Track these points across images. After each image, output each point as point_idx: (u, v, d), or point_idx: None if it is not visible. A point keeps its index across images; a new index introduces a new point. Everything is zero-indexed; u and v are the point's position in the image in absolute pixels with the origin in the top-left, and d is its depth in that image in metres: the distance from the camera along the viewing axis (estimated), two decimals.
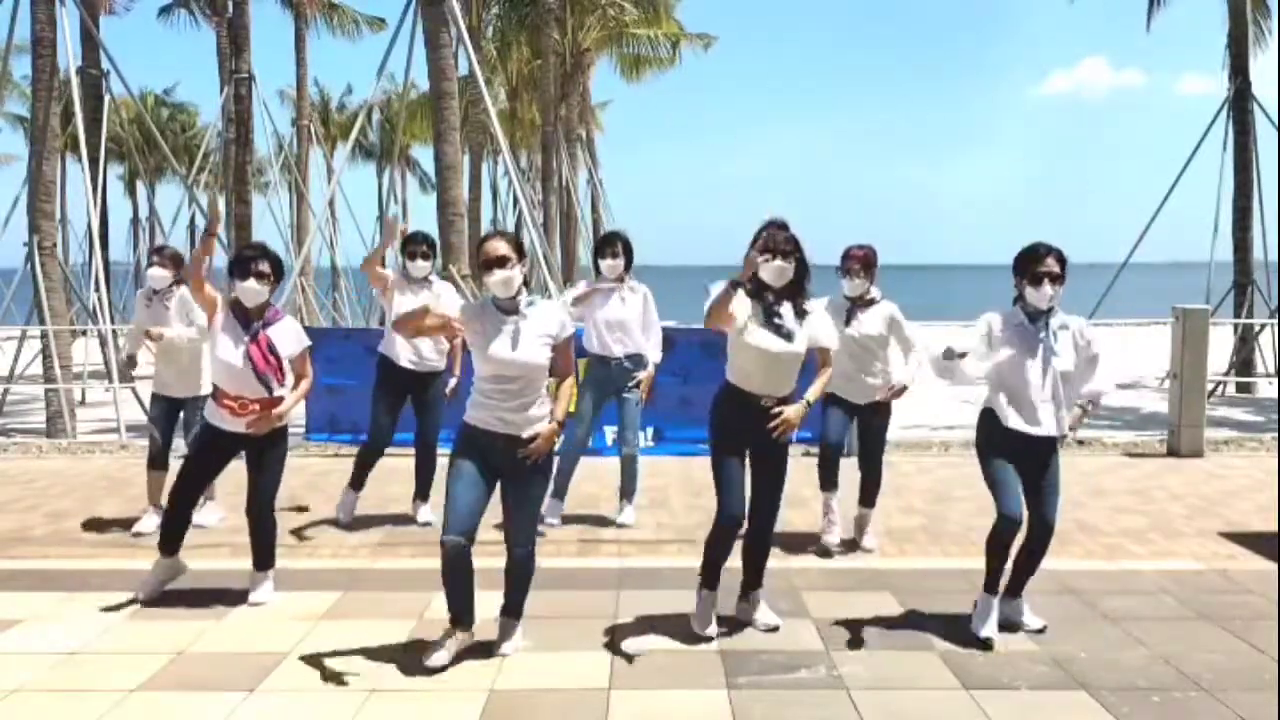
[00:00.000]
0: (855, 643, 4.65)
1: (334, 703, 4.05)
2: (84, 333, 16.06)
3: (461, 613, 4.39)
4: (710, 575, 4.77)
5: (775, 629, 4.75)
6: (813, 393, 4.64)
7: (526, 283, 4.41)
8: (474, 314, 4.35)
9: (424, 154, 47.27)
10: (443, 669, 4.28)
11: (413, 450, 6.84)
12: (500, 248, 4.28)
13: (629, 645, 4.60)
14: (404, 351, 6.53)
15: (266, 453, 5.18)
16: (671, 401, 8.37)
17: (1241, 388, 16.75)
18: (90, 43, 16.28)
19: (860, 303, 5.99)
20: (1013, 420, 4.64)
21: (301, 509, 7.02)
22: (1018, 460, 4.65)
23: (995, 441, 4.69)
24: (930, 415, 11.09)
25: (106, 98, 17.37)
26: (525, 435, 4.27)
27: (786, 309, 4.55)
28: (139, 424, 10.03)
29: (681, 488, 7.76)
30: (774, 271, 4.51)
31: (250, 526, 5.27)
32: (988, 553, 4.75)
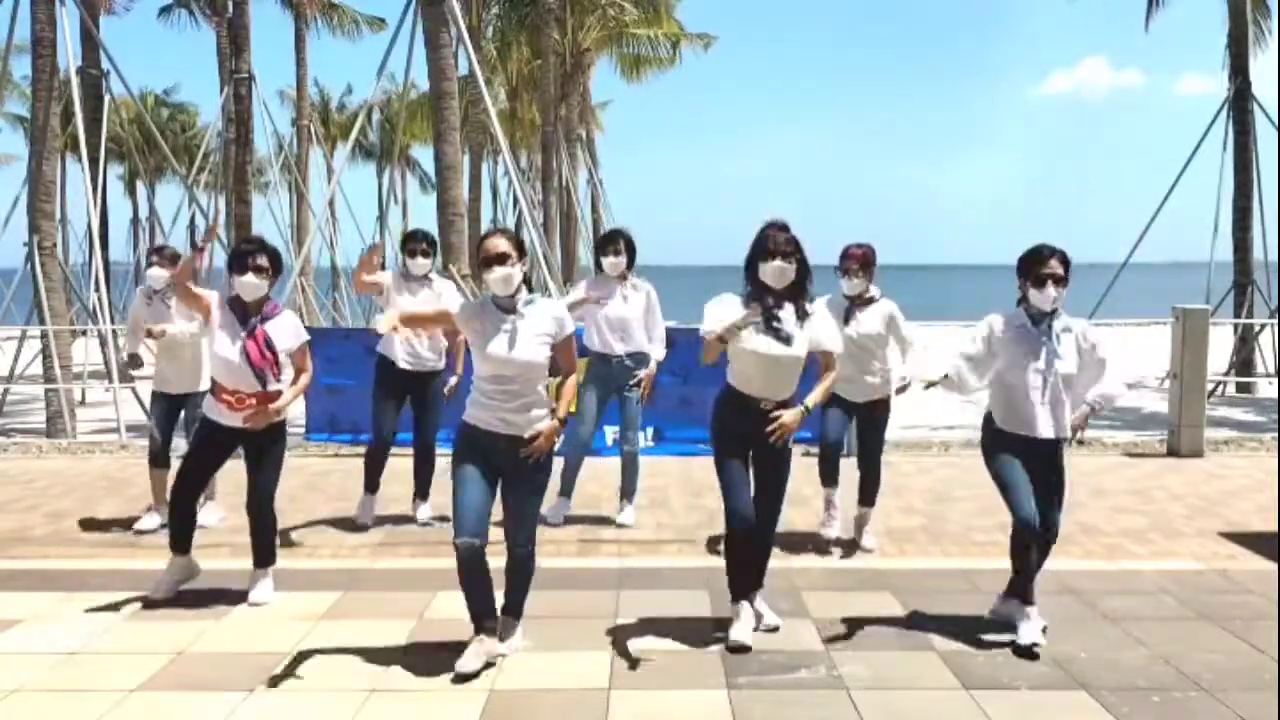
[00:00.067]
0: (855, 643, 4.65)
1: (334, 703, 4.05)
2: (84, 333, 16.05)
3: (484, 615, 4.35)
4: (735, 584, 4.71)
5: (775, 629, 4.75)
6: (813, 398, 4.59)
7: (528, 281, 4.40)
8: (473, 313, 4.35)
9: (424, 154, 47.34)
10: (475, 674, 4.23)
11: (412, 450, 6.84)
12: (500, 245, 4.27)
13: (630, 646, 4.60)
14: (402, 352, 6.53)
15: (265, 448, 5.18)
16: (672, 401, 8.37)
17: (1241, 388, 16.75)
18: (90, 43, 16.28)
19: (859, 302, 5.99)
20: (1013, 423, 4.63)
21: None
22: (1022, 462, 4.64)
23: (998, 443, 4.69)
24: (930, 415, 11.09)
25: (106, 98, 17.37)
26: (527, 435, 4.27)
27: (787, 311, 4.52)
28: (139, 424, 10.05)
29: (681, 488, 7.76)
30: (774, 273, 4.49)
31: (250, 523, 5.27)
32: (1012, 559, 4.73)
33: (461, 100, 18.05)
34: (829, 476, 6.23)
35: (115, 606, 5.15)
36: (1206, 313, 9.57)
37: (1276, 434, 10.00)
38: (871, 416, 6.16)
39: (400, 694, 4.14)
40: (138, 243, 43.00)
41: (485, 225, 30.21)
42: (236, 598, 5.24)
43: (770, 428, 4.45)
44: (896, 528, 6.64)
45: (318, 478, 8.19)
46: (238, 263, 5.06)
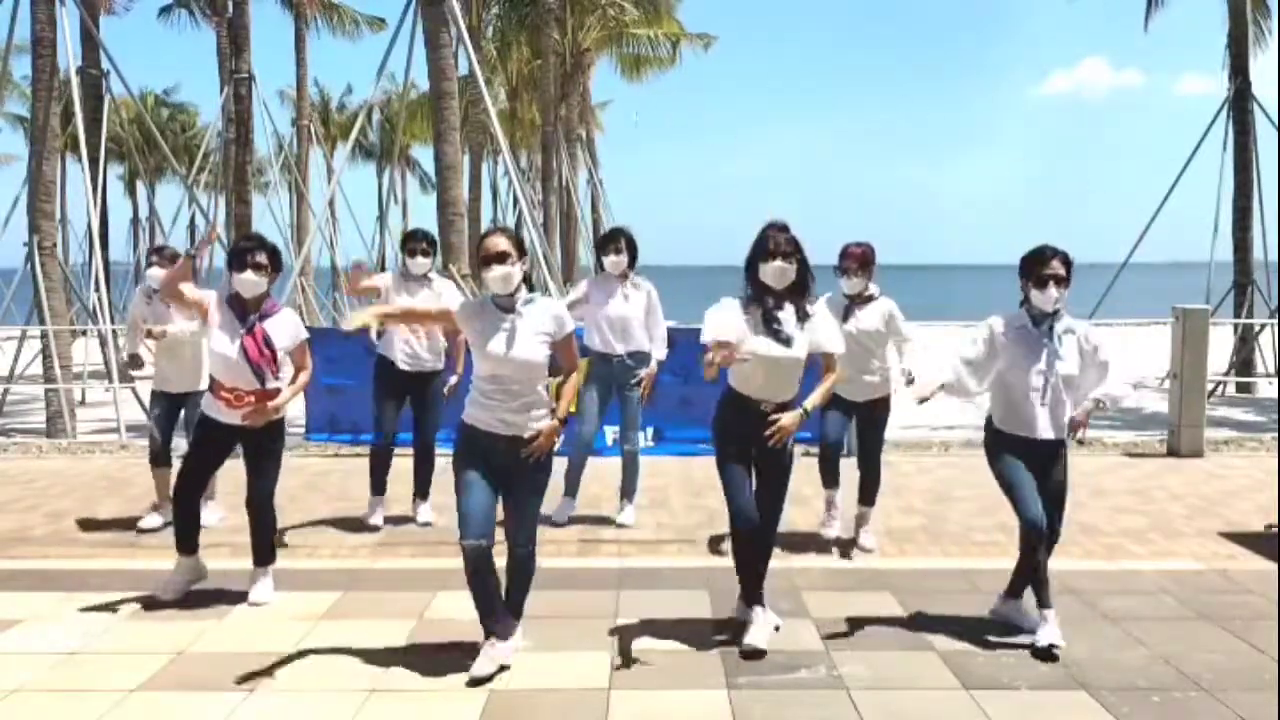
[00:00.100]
0: (855, 643, 4.65)
1: (334, 703, 4.05)
2: (84, 333, 16.05)
3: (493, 618, 4.33)
4: (748, 587, 4.68)
5: (776, 629, 4.74)
6: (812, 400, 4.55)
7: (528, 281, 4.39)
8: (472, 311, 4.34)
9: (424, 154, 47.36)
10: (488, 679, 4.21)
11: (412, 450, 6.84)
12: (500, 243, 4.26)
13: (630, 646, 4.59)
14: (401, 353, 6.53)
15: (264, 447, 5.18)
16: (672, 401, 8.37)
17: (1241, 388, 16.75)
18: (90, 43, 16.28)
19: (859, 300, 5.99)
20: (1013, 424, 4.63)
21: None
22: (1024, 464, 4.63)
23: (1000, 445, 4.69)
24: (930, 415, 11.07)
25: (106, 98, 17.37)
26: (527, 435, 4.26)
27: (787, 312, 4.51)
28: (139, 424, 10.04)
29: (681, 488, 7.76)
30: (775, 273, 4.48)
31: (250, 522, 5.28)
32: (1021, 561, 4.70)
33: (461, 100, 18.05)
34: (829, 477, 6.24)
35: (115, 606, 5.15)
36: (1206, 313, 9.57)
37: (1276, 434, 9.99)
38: (871, 416, 6.16)
39: (400, 694, 4.14)
40: (138, 243, 43.01)
41: (485, 225, 30.22)
42: (236, 598, 5.24)
43: (769, 431, 4.44)
44: (896, 528, 6.64)
45: (318, 478, 8.19)
46: (237, 260, 5.07)
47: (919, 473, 8.37)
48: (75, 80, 14.34)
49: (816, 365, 4.63)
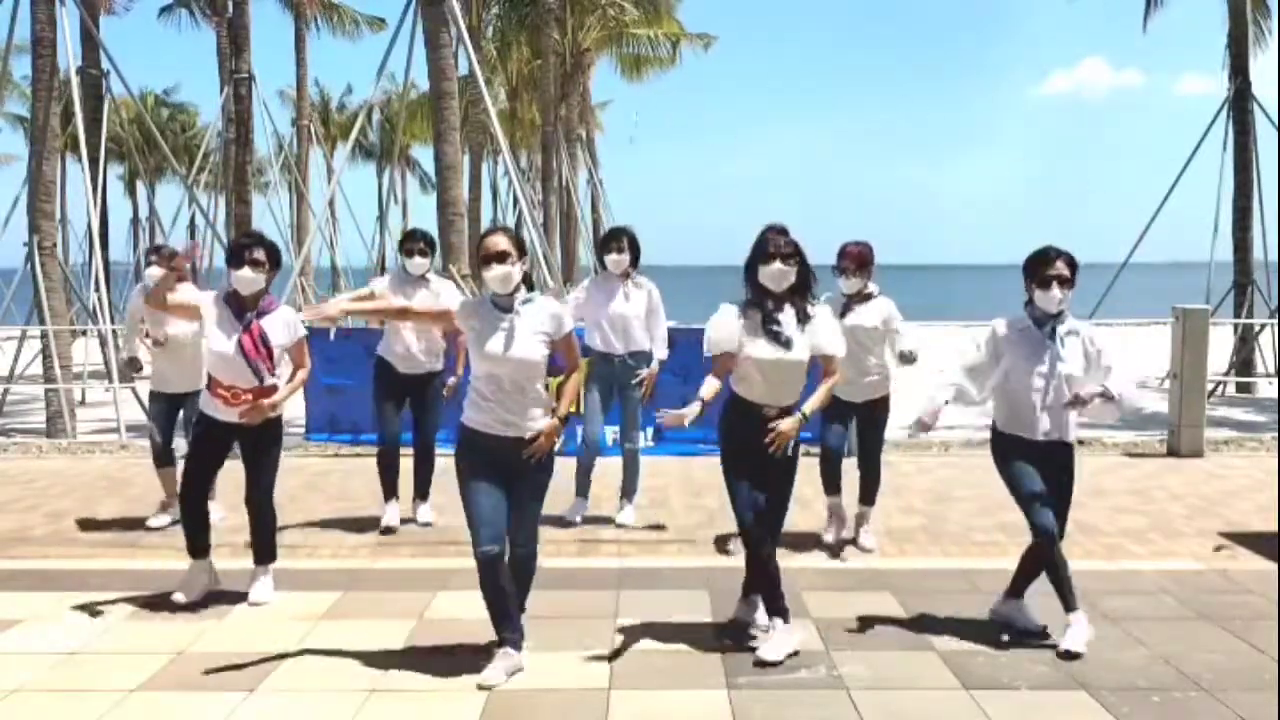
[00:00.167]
0: (855, 643, 4.65)
1: (334, 703, 4.05)
2: (84, 333, 16.05)
3: (506, 625, 4.31)
4: (769, 599, 4.59)
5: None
6: (811, 405, 4.51)
7: (528, 281, 4.39)
8: (470, 311, 4.34)
9: (424, 154, 47.34)
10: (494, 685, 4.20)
11: (411, 451, 6.83)
12: (500, 243, 4.25)
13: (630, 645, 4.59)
14: (400, 355, 6.52)
15: (262, 445, 5.18)
16: (672, 401, 8.26)
17: (1241, 388, 16.74)
18: (90, 43, 16.28)
19: (857, 299, 5.98)
20: (1015, 425, 4.62)
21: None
22: (1031, 467, 4.61)
23: (1004, 447, 4.68)
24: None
25: (106, 98, 17.37)
26: (528, 436, 4.25)
27: (787, 314, 4.48)
28: (139, 424, 10.04)
29: (681, 488, 7.76)
30: (774, 276, 4.46)
31: (250, 520, 5.28)
32: (1030, 566, 4.69)
33: (461, 100, 18.04)
34: (831, 484, 6.21)
35: (115, 606, 5.15)
36: (1206, 313, 9.57)
37: (1276, 434, 9.99)
38: (871, 416, 6.15)
39: (400, 694, 4.14)
40: (138, 243, 42.94)
41: (485, 225, 30.22)
42: (236, 598, 5.24)
43: (768, 438, 4.40)
44: (896, 528, 6.64)
45: (318, 478, 8.18)
46: (235, 257, 5.06)
47: (919, 473, 8.36)
48: (75, 80, 14.35)
49: (818, 367, 4.62)
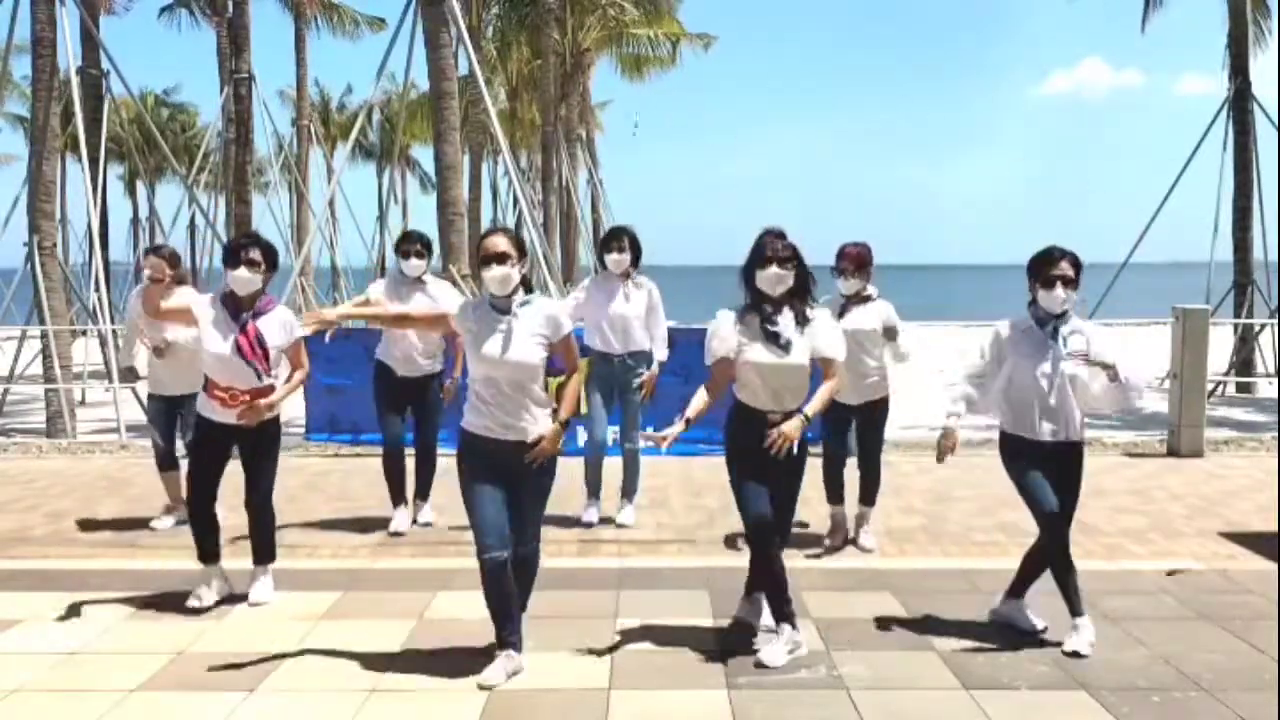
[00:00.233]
0: (855, 643, 4.64)
1: (334, 703, 4.05)
2: (84, 333, 16.05)
3: (508, 628, 4.30)
4: (774, 603, 4.56)
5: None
6: (813, 406, 4.47)
7: (527, 282, 4.38)
8: (468, 314, 4.32)
9: (424, 154, 47.33)
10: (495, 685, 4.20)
11: (413, 451, 6.83)
12: (500, 244, 4.24)
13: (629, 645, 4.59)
14: (399, 358, 6.51)
15: (260, 446, 5.17)
16: (672, 401, 8.29)
17: (1241, 388, 16.74)
18: (90, 43, 16.28)
19: (855, 300, 5.98)
20: (1020, 426, 4.61)
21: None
22: (1037, 467, 4.59)
23: (1009, 448, 4.67)
24: (930, 415, 11.08)
25: (106, 98, 17.38)
26: (530, 440, 4.23)
27: (785, 318, 4.46)
28: (139, 424, 10.04)
29: (681, 488, 7.76)
30: (771, 280, 4.44)
31: (249, 520, 5.28)
32: (1051, 572, 4.66)
33: (461, 100, 18.04)
34: (834, 491, 6.20)
35: (115, 606, 5.15)
36: (1206, 313, 9.57)
37: (1276, 434, 9.99)
38: (871, 417, 6.15)
39: (400, 694, 4.14)
40: (138, 243, 42.90)
41: (485, 225, 30.22)
42: (236, 598, 5.24)
43: (770, 440, 4.37)
44: (896, 528, 6.64)
45: (318, 478, 8.18)
46: (231, 257, 5.04)
47: (919, 473, 8.36)
48: (75, 80, 14.34)
49: (819, 370, 4.60)
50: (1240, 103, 17.73)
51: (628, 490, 6.78)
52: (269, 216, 30.83)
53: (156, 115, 43.40)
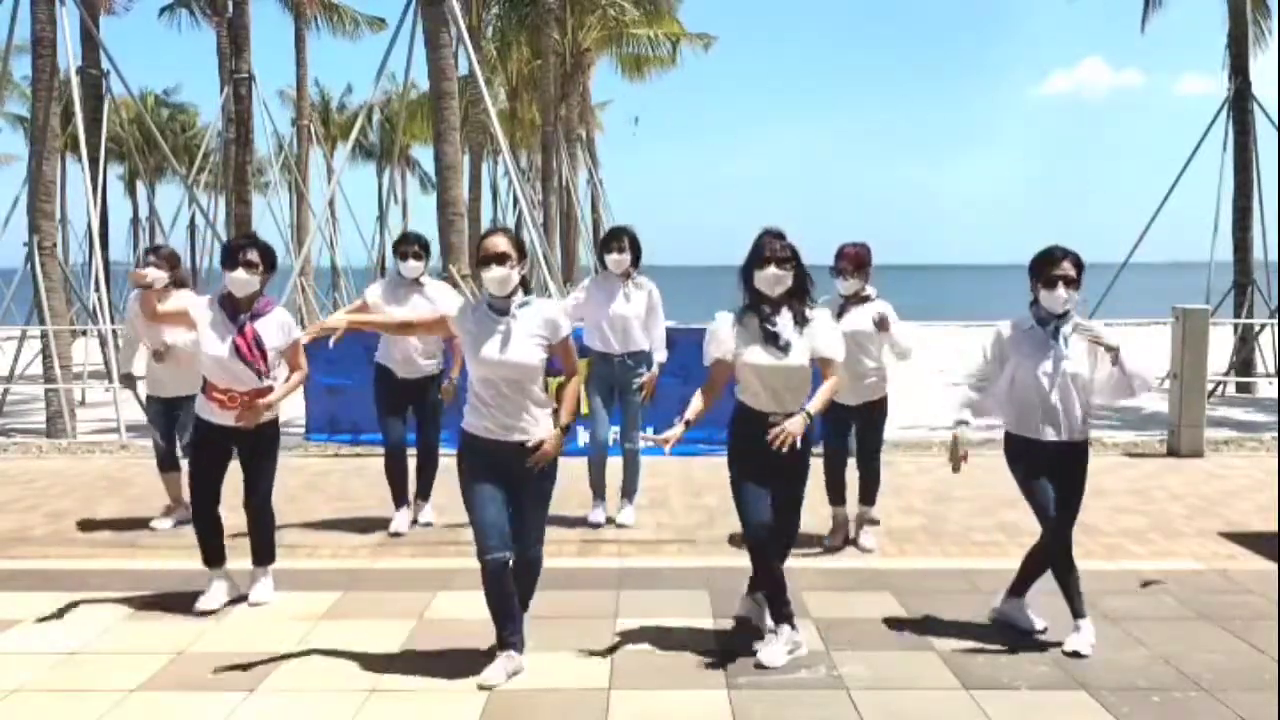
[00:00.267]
0: (855, 643, 4.64)
1: (334, 703, 4.05)
2: (84, 333, 16.05)
3: (509, 629, 4.30)
4: (774, 604, 4.54)
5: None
6: (815, 404, 4.44)
7: (526, 284, 4.37)
8: (466, 315, 4.31)
9: (424, 154, 47.32)
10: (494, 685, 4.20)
11: (415, 451, 6.83)
12: (500, 244, 4.23)
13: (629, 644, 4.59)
14: (399, 360, 6.51)
15: (259, 447, 5.17)
16: (672, 401, 8.30)
17: (1241, 388, 16.73)
18: (90, 43, 16.27)
19: (854, 300, 5.98)
20: (1023, 426, 4.61)
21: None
22: (1039, 466, 4.59)
23: (1016, 451, 4.67)
24: (930, 415, 11.08)
25: (106, 98, 17.36)
26: (530, 443, 4.23)
27: (784, 319, 4.45)
28: (139, 424, 10.03)
29: (681, 488, 7.76)
30: (770, 280, 4.43)
31: (249, 521, 5.28)
32: (1053, 573, 4.65)
33: (461, 100, 18.03)
34: (836, 492, 6.19)
35: (115, 606, 5.15)
36: (1206, 313, 9.57)
37: (1276, 434, 9.99)
38: (870, 417, 6.15)
39: (400, 694, 4.14)
40: (138, 243, 42.94)
41: (485, 225, 30.22)
42: (236, 598, 5.24)
43: (772, 435, 4.33)
44: (896, 528, 6.64)
45: (318, 478, 8.17)
46: (229, 259, 5.03)
47: (919, 473, 8.36)
48: (75, 80, 14.33)
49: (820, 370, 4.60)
50: (1240, 103, 17.72)
51: (628, 490, 6.78)
52: (269, 217, 30.89)
53: (156, 115, 43.42)
